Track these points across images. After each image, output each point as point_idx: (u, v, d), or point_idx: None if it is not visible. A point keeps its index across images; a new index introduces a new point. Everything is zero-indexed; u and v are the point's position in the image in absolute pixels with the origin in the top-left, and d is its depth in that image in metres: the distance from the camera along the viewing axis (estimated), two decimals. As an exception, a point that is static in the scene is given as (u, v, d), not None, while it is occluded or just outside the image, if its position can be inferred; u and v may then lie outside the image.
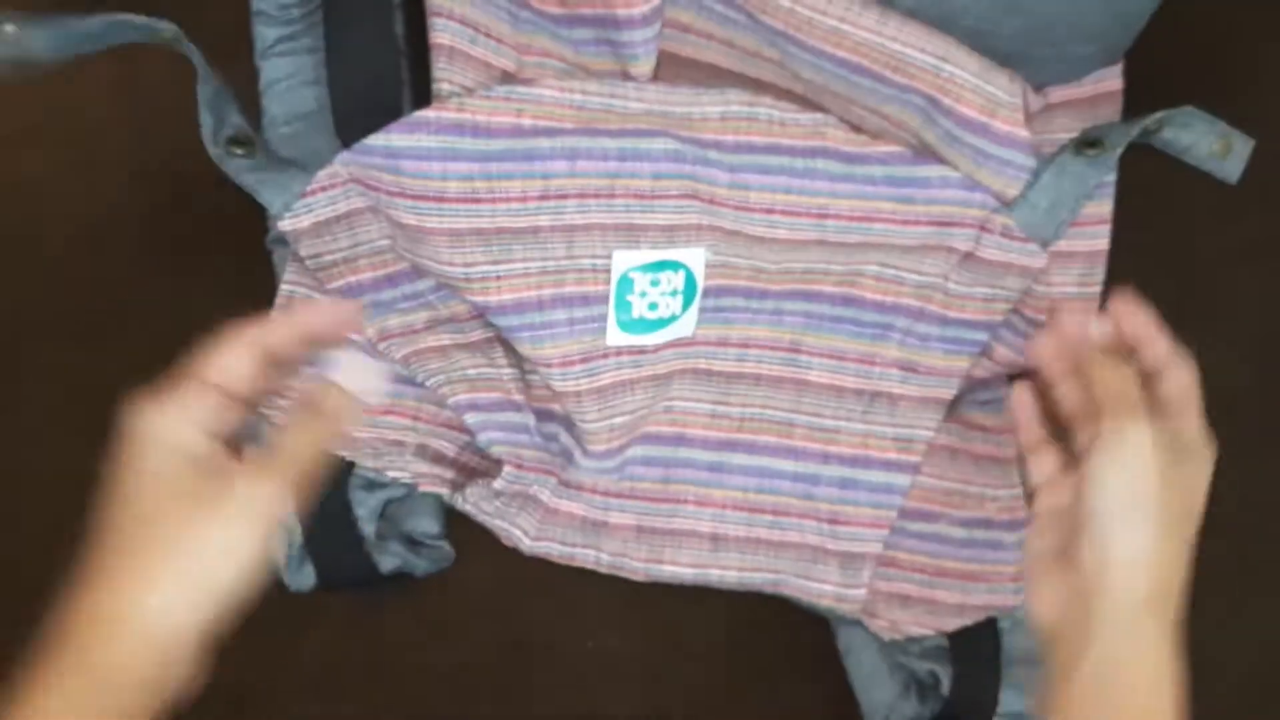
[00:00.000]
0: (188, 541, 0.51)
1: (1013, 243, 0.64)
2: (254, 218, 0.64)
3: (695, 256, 0.65)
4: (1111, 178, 0.66)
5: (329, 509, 0.66)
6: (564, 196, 0.62)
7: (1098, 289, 0.66)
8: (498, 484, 0.66)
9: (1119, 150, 0.63)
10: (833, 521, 0.68)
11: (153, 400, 0.52)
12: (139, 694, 0.50)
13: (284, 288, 0.66)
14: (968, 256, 0.64)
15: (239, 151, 0.62)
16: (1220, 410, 0.69)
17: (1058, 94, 0.67)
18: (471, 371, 0.66)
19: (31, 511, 0.69)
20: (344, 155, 0.62)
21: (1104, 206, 0.67)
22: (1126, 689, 0.53)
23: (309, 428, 0.53)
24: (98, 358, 0.68)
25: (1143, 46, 0.66)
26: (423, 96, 0.64)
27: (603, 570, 0.68)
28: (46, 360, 0.69)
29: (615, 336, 0.64)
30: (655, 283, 0.64)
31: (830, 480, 0.68)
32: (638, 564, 0.68)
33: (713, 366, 0.68)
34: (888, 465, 0.67)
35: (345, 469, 0.67)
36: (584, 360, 0.64)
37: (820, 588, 0.68)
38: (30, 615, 0.68)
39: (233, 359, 0.53)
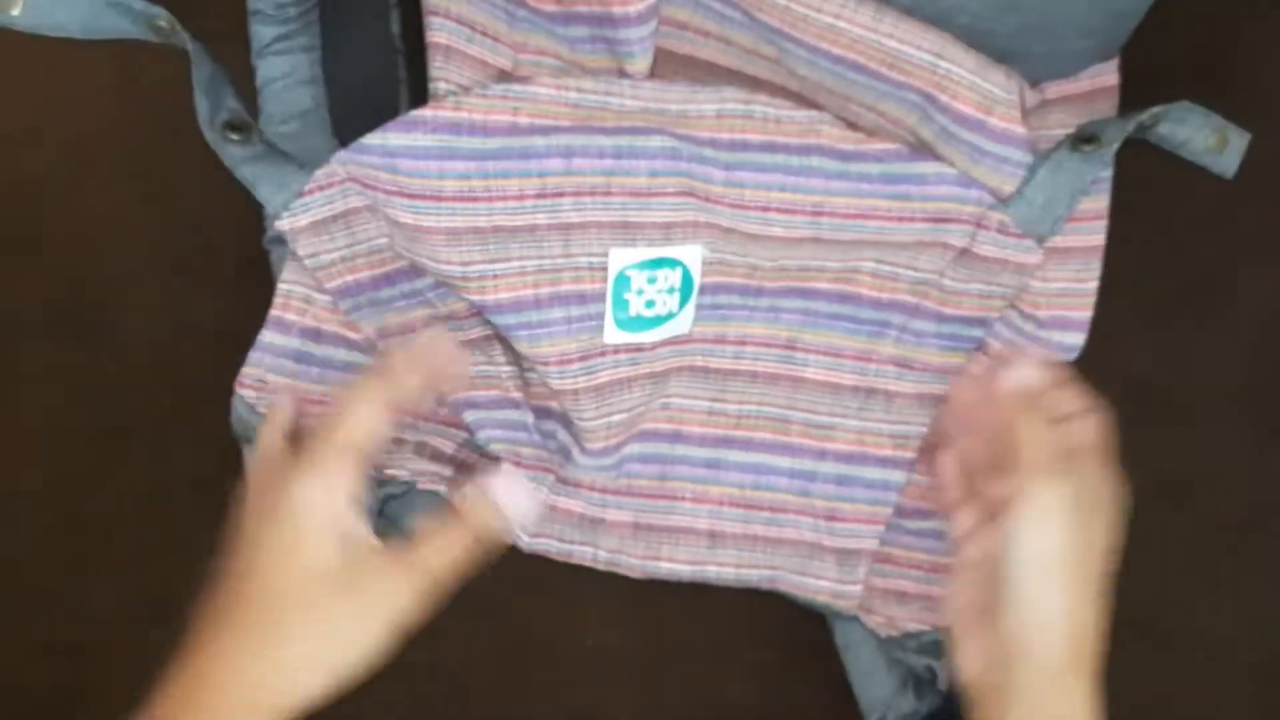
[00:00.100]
0: (322, 625, 0.52)
1: (1008, 239, 0.64)
2: (252, 217, 0.64)
3: (692, 254, 0.65)
4: (1108, 173, 0.66)
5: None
6: (560, 194, 0.62)
7: (1094, 284, 0.66)
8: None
9: (1115, 146, 0.63)
10: (829, 518, 0.68)
11: (304, 471, 0.52)
12: None
13: (282, 286, 0.65)
14: (963, 253, 0.65)
15: (235, 137, 0.62)
16: (1218, 406, 0.70)
17: (1054, 89, 0.67)
18: (470, 369, 0.66)
19: (30, 511, 0.69)
20: (341, 154, 0.62)
21: (1101, 202, 0.67)
22: None
23: (454, 539, 0.54)
24: (97, 357, 0.69)
25: (1139, 41, 0.65)
26: (420, 95, 0.64)
27: (600, 567, 0.69)
28: (45, 360, 0.69)
29: (612, 335, 0.64)
30: (652, 280, 0.64)
31: (826, 477, 0.68)
32: (635, 561, 0.68)
33: (709, 364, 0.68)
34: (883, 462, 0.67)
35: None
36: (581, 359, 0.64)
37: (817, 584, 0.68)
38: (29, 614, 0.68)
39: (371, 422, 0.53)
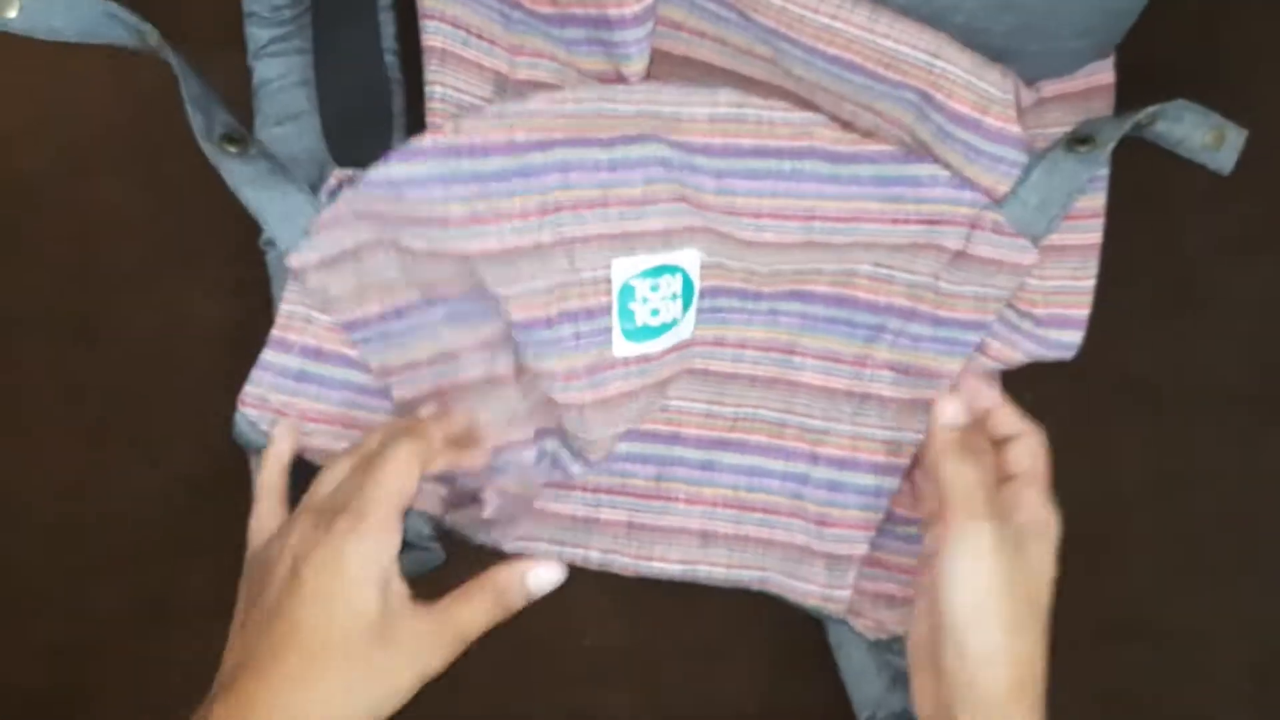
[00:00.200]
0: (361, 674, 0.54)
1: (1003, 238, 0.64)
2: (249, 217, 0.64)
3: (690, 258, 0.65)
4: (1104, 171, 0.66)
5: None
6: (559, 209, 0.62)
7: (1090, 283, 0.66)
8: (488, 513, 0.66)
9: (1110, 146, 0.63)
10: (820, 523, 0.68)
11: (354, 524, 0.55)
12: None
13: (284, 307, 0.65)
14: (959, 255, 0.64)
15: (233, 149, 0.62)
16: (1214, 402, 0.70)
17: (1050, 88, 0.67)
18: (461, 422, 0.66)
19: (29, 511, 0.69)
20: (347, 193, 0.62)
21: (1097, 200, 0.66)
22: None
23: (484, 602, 0.58)
24: (96, 357, 0.69)
25: (1134, 39, 0.65)
26: (415, 98, 0.64)
27: (592, 568, 0.69)
28: (44, 358, 0.69)
29: (622, 347, 0.65)
30: (655, 288, 0.64)
31: (818, 482, 0.68)
32: (627, 560, 0.69)
33: (709, 366, 0.68)
34: (876, 468, 0.67)
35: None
36: (589, 373, 0.64)
37: (806, 588, 0.68)
38: (28, 615, 0.69)
39: (410, 480, 0.57)
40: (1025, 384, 0.67)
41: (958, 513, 0.57)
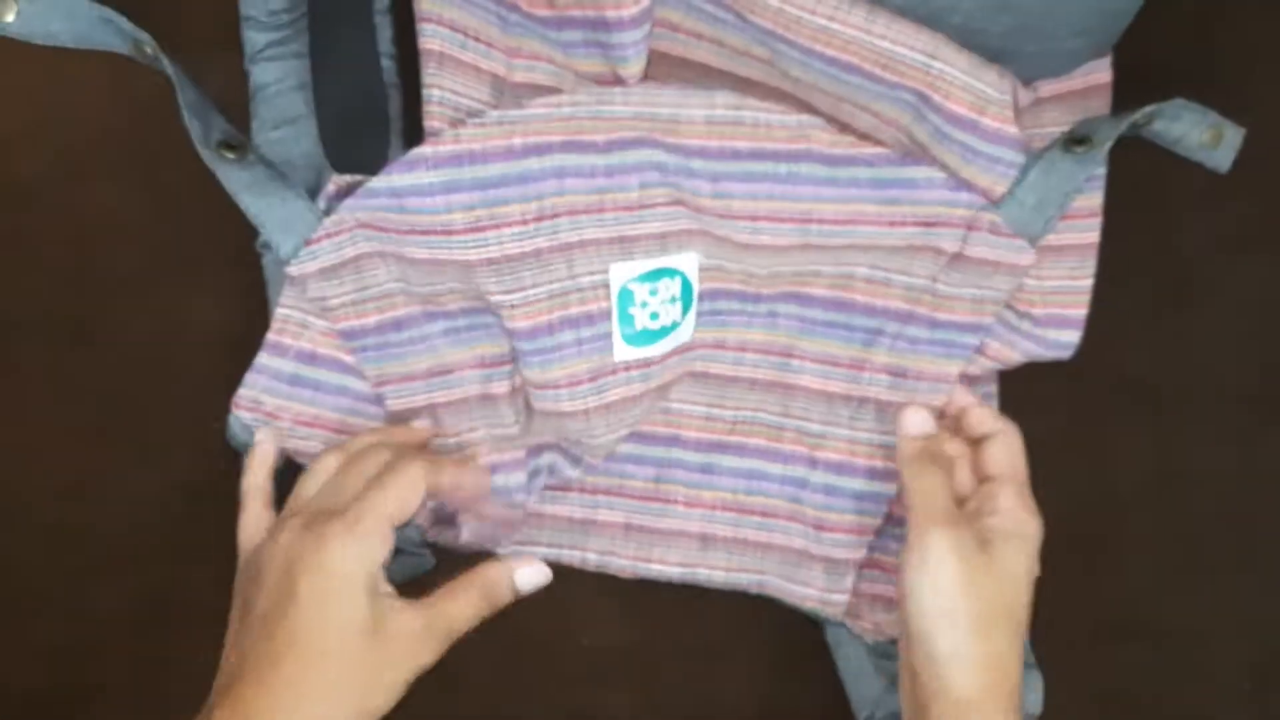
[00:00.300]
0: (355, 673, 0.55)
1: (1000, 239, 0.63)
2: (246, 221, 0.64)
3: (689, 261, 0.65)
4: (1102, 170, 0.66)
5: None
6: (556, 215, 0.63)
7: (1089, 281, 0.66)
8: (464, 537, 0.66)
9: (1107, 146, 0.63)
10: (818, 527, 0.68)
11: (343, 529, 0.56)
12: None
13: (280, 311, 0.65)
14: (956, 257, 0.64)
15: (230, 156, 0.62)
16: (1211, 401, 0.70)
17: (1047, 88, 0.67)
18: (451, 441, 0.66)
19: (29, 512, 0.69)
20: (349, 202, 0.62)
21: (1095, 199, 0.66)
22: None
23: (470, 598, 0.59)
24: (94, 359, 0.69)
25: (1131, 38, 0.65)
26: (413, 101, 0.64)
27: (589, 569, 0.69)
28: (42, 361, 0.69)
29: (622, 351, 0.65)
30: (654, 292, 0.64)
31: (816, 486, 0.68)
32: (625, 562, 0.69)
33: (709, 369, 0.68)
34: (873, 473, 0.67)
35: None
36: (592, 379, 0.65)
37: (805, 591, 0.68)
38: (28, 616, 0.69)
39: (411, 499, 0.58)
40: (1023, 384, 0.67)
41: (916, 520, 0.59)
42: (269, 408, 0.65)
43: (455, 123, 0.63)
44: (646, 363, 0.65)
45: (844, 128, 0.64)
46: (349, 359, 0.66)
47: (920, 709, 0.58)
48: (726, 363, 0.68)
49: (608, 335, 0.64)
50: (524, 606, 0.69)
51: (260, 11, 0.66)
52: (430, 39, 0.62)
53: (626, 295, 0.64)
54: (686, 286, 0.65)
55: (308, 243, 0.63)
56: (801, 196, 0.64)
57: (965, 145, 0.62)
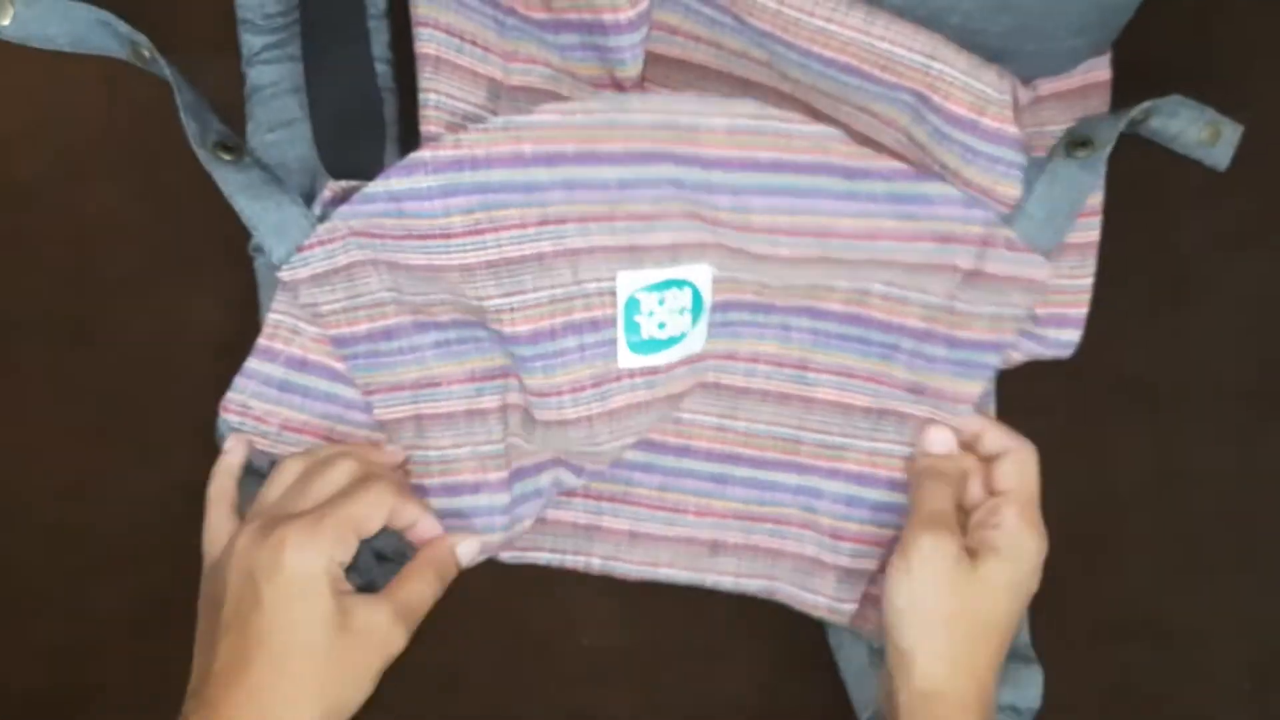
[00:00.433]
0: (326, 666, 0.56)
1: (1016, 254, 0.63)
2: (241, 222, 0.64)
3: (701, 273, 0.64)
4: (1101, 168, 0.66)
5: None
6: (563, 221, 0.62)
7: (1089, 280, 0.66)
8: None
9: (1109, 148, 0.63)
10: (835, 536, 0.67)
11: (303, 531, 0.57)
12: None
13: (271, 316, 0.65)
14: (973, 274, 0.64)
15: (227, 157, 0.62)
16: (1211, 399, 0.70)
17: (1047, 86, 0.67)
18: (434, 453, 0.66)
19: (29, 512, 0.69)
20: (343, 209, 0.62)
21: (1095, 198, 0.66)
22: None
23: (425, 579, 0.61)
24: (92, 360, 0.69)
25: (1130, 35, 0.65)
26: (409, 104, 0.64)
27: (594, 573, 0.69)
28: (41, 361, 0.69)
29: (627, 359, 0.64)
30: (662, 301, 0.64)
31: (835, 496, 0.67)
32: (631, 566, 0.69)
33: (721, 380, 0.67)
34: (893, 485, 0.67)
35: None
36: (595, 385, 0.64)
37: (814, 599, 0.68)
38: (27, 616, 0.69)
39: (377, 514, 0.59)
40: (1023, 383, 0.67)
41: (910, 523, 0.61)
42: (257, 412, 0.65)
43: (454, 127, 0.63)
44: (652, 370, 0.65)
45: (863, 140, 0.64)
46: (339, 366, 0.66)
47: (889, 697, 0.60)
48: (738, 374, 0.67)
49: (612, 341, 0.64)
50: (524, 607, 0.69)
51: (256, 15, 0.66)
52: (426, 43, 0.62)
53: (633, 304, 0.64)
54: (697, 298, 0.65)
55: (300, 249, 0.63)
56: (820, 210, 0.63)
57: (965, 145, 0.62)
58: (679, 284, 0.64)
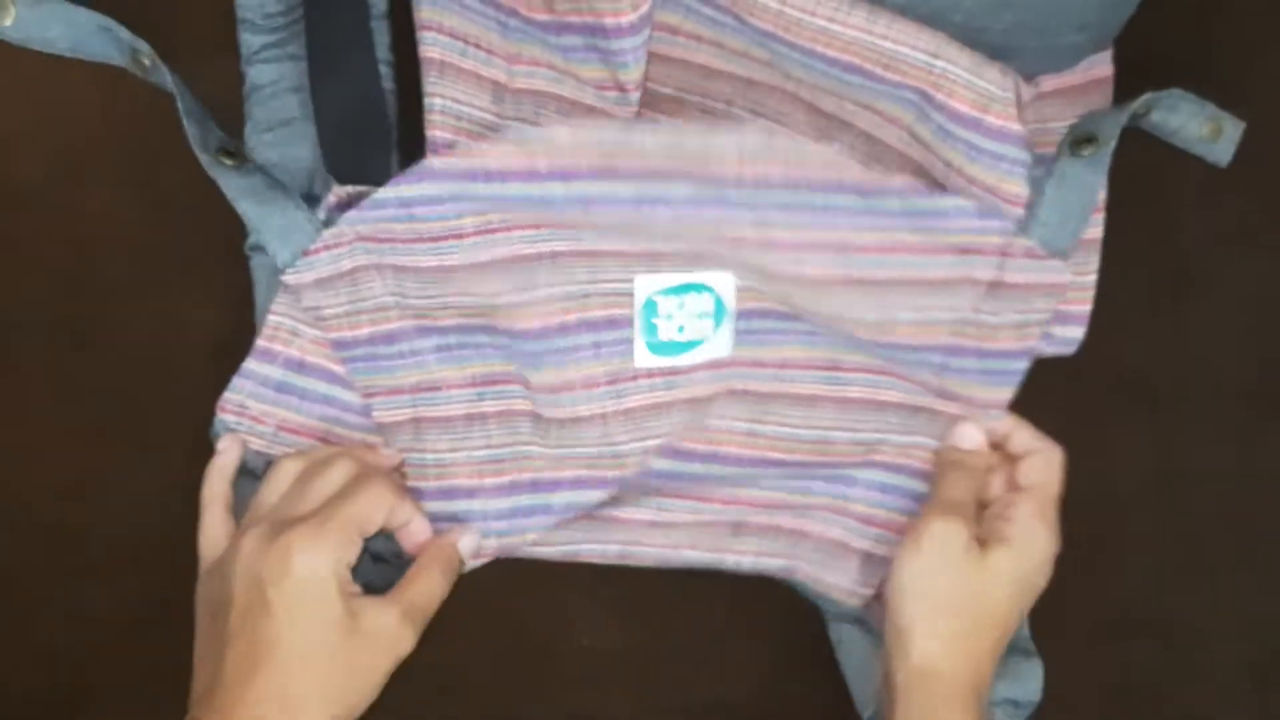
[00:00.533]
0: (336, 668, 0.56)
1: (1037, 262, 0.63)
2: (240, 223, 0.64)
3: (723, 280, 0.64)
4: (1106, 165, 0.66)
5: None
6: (579, 226, 0.62)
7: (1092, 278, 0.66)
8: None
9: (1113, 144, 0.63)
10: (865, 521, 0.67)
11: (310, 533, 0.57)
12: None
13: (271, 318, 0.65)
14: (995, 285, 0.64)
15: (229, 162, 0.62)
16: (1211, 398, 0.70)
17: (1049, 82, 0.67)
18: (430, 456, 0.66)
19: (28, 513, 0.69)
20: (351, 215, 0.62)
21: (1099, 195, 0.66)
22: None
23: (431, 578, 0.61)
24: (91, 361, 0.69)
25: (1131, 33, 0.65)
26: (409, 106, 0.64)
27: (609, 561, 0.68)
28: (41, 362, 0.69)
29: (644, 359, 0.64)
30: (681, 305, 0.64)
31: (869, 484, 0.67)
32: (649, 550, 0.68)
33: (748, 386, 0.66)
34: (926, 476, 0.66)
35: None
36: (610, 382, 0.64)
37: (835, 580, 0.67)
38: (27, 617, 0.69)
39: (377, 513, 0.59)
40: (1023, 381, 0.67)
41: (926, 508, 0.62)
42: (254, 412, 0.65)
43: (459, 130, 0.63)
44: (672, 371, 0.65)
45: (868, 139, 0.64)
46: (337, 369, 0.66)
47: (886, 676, 0.61)
48: (765, 379, 0.66)
49: (629, 341, 0.64)
50: (524, 607, 0.69)
51: (256, 14, 0.66)
52: (430, 47, 0.62)
53: (651, 306, 0.63)
54: (719, 304, 0.64)
55: (306, 253, 0.63)
56: (839, 225, 0.63)
57: (969, 143, 0.62)
58: (699, 288, 0.64)
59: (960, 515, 0.60)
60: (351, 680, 0.57)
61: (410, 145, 0.63)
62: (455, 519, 0.65)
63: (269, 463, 0.64)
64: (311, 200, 0.64)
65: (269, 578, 0.56)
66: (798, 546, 0.68)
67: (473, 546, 0.64)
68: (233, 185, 0.62)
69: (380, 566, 0.65)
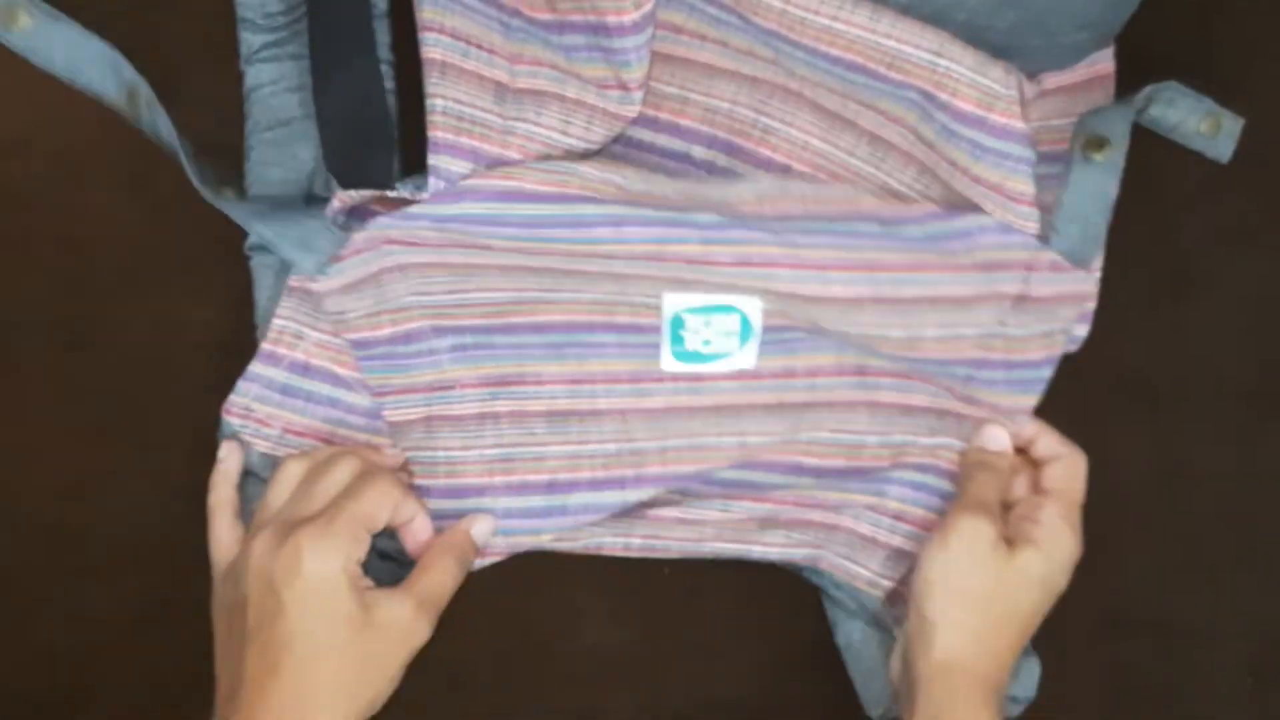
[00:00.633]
0: (354, 665, 0.57)
1: (1062, 275, 0.64)
2: (239, 225, 0.64)
3: (751, 304, 0.64)
4: (1120, 166, 0.66)
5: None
6: (612, 257, 0.63)
7: (1096, 274, 0.66)
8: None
9: (1125, 146, 0.63)
10: (897, 518, 0.67)
11: (318, 532, 0.57)
12: None
13: (276, 321, 0.65)
14: (1021, 298, 0.64)
15: (229, 194, 0.62)
16: (1211, 397, 0.70)
17: (1051, 80, 0.67)
18: (441, 454, 0.66)
19: (28, 514, 0.69)
20: (383, 220, 0.62)
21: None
22: None
23: (445, 567, 0.61)
24: (91, 361, 0.68)
25: (1131, 31, 0.65)
26: (409, 106, 0.64)
27: (633, 554, 0.68)
28: (40, 362, 0.69)
29: (670, 364, 0.65)
30: (708, 324, 0.64)
31: (903, 481, 0.67)
32: (673, 543, 0.68)
33: (784, 399, 0.66)
34: (954, 477, 0.66)
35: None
36: (632, 380, 0.64)
37: (858, 570, 0.67)
38: (27, 618, 0.68)
39: (383, 508, 0.60)
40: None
41: (954, 506, 0.62)
42: (260, 415, 0.65)
43: (460, 132, 0.62)
44: (697, 377, 0.65)
45: (873, 140, 0.65)
46: (341, 371, 0.66)
47: (906, 667, 0.61)
48: (800, 390, 0.66)
49: (655, 345, 0.64)
50: (527, 606, 0.69)
51: (257, 14, 0.66)
52: (432, 48, 0.62)
53: (678, 321, 0.64)
54: (745, 324, 0.64)
55: (336, 259, 0.63)
56: (864, 247, 0.64)
57: (974, 142, 0.62)
58: (727, 309, 0.64)
59: (987, 514, 0.61)
60: (369, 674, 0.57)
61: (413, 147, 0.63)
62: (462, 517, 0.65)
63: (272, 465, 0.64)
64: (313, 200, 0.64)
65: (281, 579, 0.56)
66: (827, 539, 0.68)
67: (486, 533, 0.64)
68: (240, 211, 0.63)
69: (387, 564, 0.65)
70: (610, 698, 0.69)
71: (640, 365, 0.64)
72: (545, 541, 0.67)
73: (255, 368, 0.65)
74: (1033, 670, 0.66)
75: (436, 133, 0.62)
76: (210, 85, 0.65)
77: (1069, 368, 0.67)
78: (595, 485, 0.66)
